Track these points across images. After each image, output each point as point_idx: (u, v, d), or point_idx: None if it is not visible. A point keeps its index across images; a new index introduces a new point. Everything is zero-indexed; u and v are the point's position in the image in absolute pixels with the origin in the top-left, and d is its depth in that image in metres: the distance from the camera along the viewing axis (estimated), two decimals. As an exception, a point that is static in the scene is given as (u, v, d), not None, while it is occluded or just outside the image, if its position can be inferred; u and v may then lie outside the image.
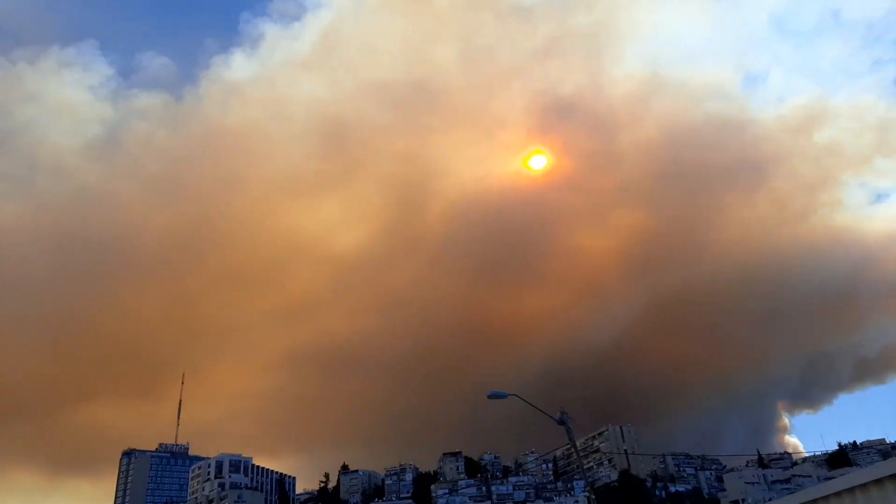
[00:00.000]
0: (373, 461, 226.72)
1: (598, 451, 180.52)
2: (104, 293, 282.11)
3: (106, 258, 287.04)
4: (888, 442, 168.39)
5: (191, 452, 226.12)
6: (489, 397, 27.57)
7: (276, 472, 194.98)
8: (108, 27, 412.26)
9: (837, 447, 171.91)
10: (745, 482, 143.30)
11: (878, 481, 10.83)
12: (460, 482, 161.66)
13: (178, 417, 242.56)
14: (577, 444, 37.68)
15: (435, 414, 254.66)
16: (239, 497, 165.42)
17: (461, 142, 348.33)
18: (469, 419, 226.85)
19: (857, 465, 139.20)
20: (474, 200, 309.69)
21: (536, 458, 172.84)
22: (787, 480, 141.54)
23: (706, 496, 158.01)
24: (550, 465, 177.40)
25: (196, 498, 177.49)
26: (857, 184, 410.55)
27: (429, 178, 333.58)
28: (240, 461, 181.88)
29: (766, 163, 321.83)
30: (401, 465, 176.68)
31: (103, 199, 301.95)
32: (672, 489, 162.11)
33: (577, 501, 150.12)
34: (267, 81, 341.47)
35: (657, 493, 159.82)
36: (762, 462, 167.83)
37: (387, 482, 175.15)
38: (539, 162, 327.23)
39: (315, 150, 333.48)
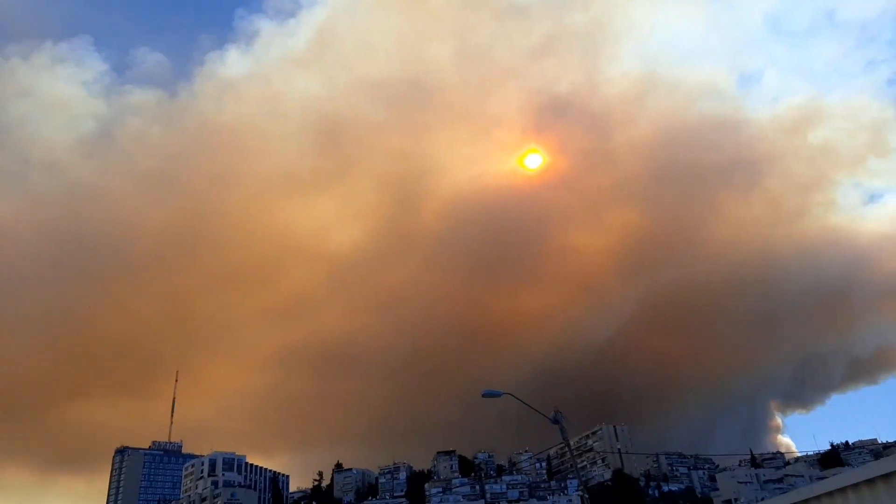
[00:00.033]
0: (366, 460, 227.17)
1: (591, 450, 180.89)
2: (97, 290, 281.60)
3: (99, 255, 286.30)
4: (880, 442, 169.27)
5: (184, 450, 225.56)
6: (483, 396, 27.58)
7: (270, 471, 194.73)
8: (102, 23, 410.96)
9: (830, 447, 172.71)
10: (738, 482, 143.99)
11: (870, 481, 10.87)
12: (454, 481, 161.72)
13: (172, 415, 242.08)
14: (571, 443, 37.71)
15: (429, 412, 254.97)
16: (232, 495, 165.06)
17: (456, 140, 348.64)
18: (463, 418, 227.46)
19: (849, 465, 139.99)
20: (469, 199, 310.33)
21: (530, 457, 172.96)
22: (780, 480, 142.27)
23: (699, 495, 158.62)
24: (544, 464, 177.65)
25: (189, 496, 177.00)
26: (851, 184, 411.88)
27: (424, 177, 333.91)
28: (233, 459, 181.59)
29: (760, 162, 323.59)
30: (395, 464, 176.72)
31: (96, 196, 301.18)
32: (665, 488, 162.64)
33: (570, 500, 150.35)
34: (262, 78, 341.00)
35: (650, 492, 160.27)
36: (755, 462, 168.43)
37: (380, 481, 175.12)
38: (534, 161, 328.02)
39: (310, 147, 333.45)
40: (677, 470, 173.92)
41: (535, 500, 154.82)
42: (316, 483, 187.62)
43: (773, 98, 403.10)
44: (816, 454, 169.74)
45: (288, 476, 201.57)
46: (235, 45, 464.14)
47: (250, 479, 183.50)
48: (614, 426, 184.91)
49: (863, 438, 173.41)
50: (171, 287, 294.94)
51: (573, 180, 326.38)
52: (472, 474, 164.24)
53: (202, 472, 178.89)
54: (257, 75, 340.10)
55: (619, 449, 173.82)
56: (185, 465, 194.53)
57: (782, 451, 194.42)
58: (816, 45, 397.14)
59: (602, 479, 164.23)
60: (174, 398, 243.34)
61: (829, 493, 11.82)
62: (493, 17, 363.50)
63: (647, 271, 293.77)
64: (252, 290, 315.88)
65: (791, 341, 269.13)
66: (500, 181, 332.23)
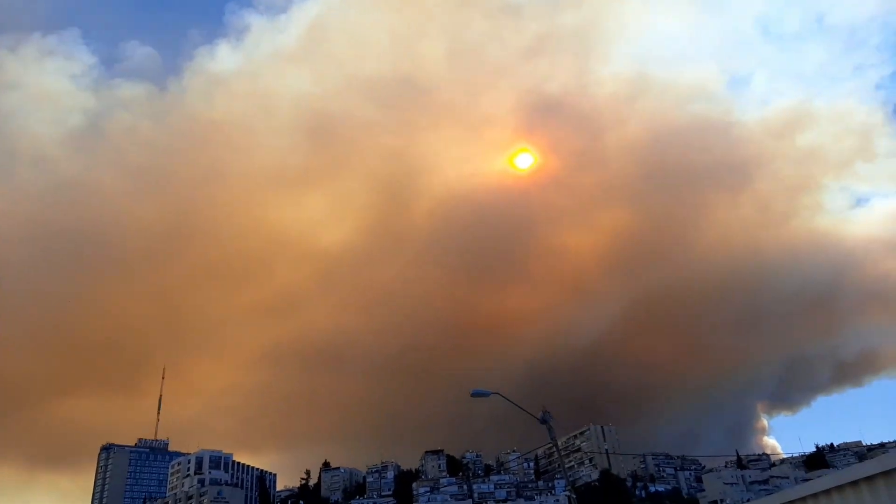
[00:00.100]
0: (354, 458, 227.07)
1: (579, 450, 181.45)
2: (84, 285, 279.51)
3: (86, 250, 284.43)
4: (864, 444, 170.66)
5: (170, 448, 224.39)
6: (472, 395, 27.54)
7: (257, 469, 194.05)
8: (90, 15, 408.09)
9: (815, 449, 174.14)
10: (724, 483, 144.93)
11: (854, 483, 10.95)
12: (442, 480, 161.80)
13: (158, 412, 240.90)
14: (559, 443, 37.80)
15: (417, 412, 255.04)
16: (219, 493, 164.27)
17: (448, 139, 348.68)
18: (451, 417, 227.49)
19: (833, 467, 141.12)
20: (460, 198, 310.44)
21: (518, 457, 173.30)
22: (765, 481, 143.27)
23: (685, 496, 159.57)
24: (532, 464, 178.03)
25: (175, 494, 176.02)
26: (839, 187, 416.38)
27: (415, 175, 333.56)
28: (220, 457, 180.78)
29: (749, 165, 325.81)
30: (382, 463, 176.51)
31: (84, 191, 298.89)
32: (652, 489, 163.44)
33: (557, 500, 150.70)
34: (252, 74, 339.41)
35: (637, 492, 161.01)
36: (741, 463, 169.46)
37: (368, 480, 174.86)
38: (525, 160, 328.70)
39: (300, 144, 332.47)
40: (664, 470, 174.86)
41: (522, 499, 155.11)
42: (303, 482, 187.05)
43: (763, 101, 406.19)
44: (802, 456, 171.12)
45: (275, 474, 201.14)
46: (226, 39, 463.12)
47: (237, 478, 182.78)
48: (602, 426, 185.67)
49: (847, 440, 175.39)
50: (158, 283, 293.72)
51: (564, 180, 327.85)
52: (460, 474, 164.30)
53: (188, 470, 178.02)
54: (247, 71, 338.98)
55: (606, 449, 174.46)
56: (172, 462, 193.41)
57: (768, 452, 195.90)
58: (806, 48, 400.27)
59: (589, 480, 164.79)
60: (161, 395, 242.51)
61: (814, 495, 11.88)
62: (485, 17, 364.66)
63: (635, 272, 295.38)
64: (241, 287, 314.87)
65: (777, 343, 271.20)
66: (490, 180, 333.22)
